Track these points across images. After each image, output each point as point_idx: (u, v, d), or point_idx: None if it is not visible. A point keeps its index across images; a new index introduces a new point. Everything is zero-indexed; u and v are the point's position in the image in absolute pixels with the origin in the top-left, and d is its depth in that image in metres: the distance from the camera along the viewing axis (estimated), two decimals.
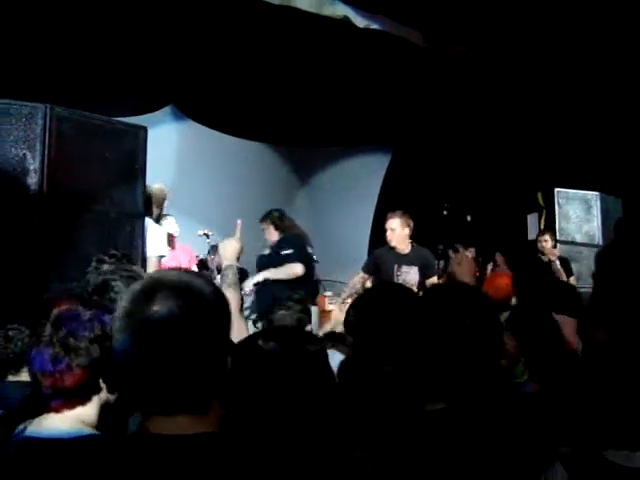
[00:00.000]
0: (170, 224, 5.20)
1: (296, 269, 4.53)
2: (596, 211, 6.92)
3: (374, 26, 4.90)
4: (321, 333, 3.23)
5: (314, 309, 4.56)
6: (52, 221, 3.20)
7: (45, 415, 1.43)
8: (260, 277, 4.59)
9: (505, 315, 2.32)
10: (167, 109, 6.81)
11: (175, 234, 5.30)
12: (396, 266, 4.79)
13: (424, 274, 4.77)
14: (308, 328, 3.07)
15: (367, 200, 8.27)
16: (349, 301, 4.38)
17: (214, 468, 0.94)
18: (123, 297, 1.04)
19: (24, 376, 2.13)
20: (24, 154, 3.16)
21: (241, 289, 2.91)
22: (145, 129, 3.76)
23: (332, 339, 2.76)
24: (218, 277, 4.74)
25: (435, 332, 1.43)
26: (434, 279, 4.78)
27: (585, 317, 2.58)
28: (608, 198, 6.99)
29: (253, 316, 4.16)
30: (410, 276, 4.72)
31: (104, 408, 1.46)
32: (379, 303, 2.10)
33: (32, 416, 1.47)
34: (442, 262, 6.15)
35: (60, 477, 1.19)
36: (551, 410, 1.77)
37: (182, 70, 5.93)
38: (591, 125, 6.65)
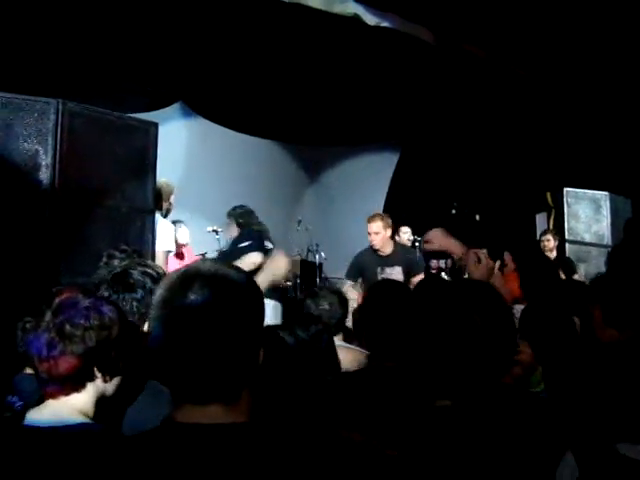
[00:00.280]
0: (183, 234, 5.09)
1: (254, 258, 4.47)
2: (605, 211, 6.88)
3: (384, 24, 4.90)
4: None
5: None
6: (63, 216, 3.23)
7: (45, 403, 1.44)
8: None
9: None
10: (176, 106, 6.84)
11: (186, 245, 5.23)
12: (379, 268, 4.82)
13: (408, 273, 4.77)
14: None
15: (375, 198, 8.27)
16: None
17: (245, 458, 0.95)
18: (160, 285, 1.07)
19: None
20: (36, 149, 3.19)
21: None
22: (156, 125, 3.78)
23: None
24: None
25: (444, 329, 1.43)
26: (420, 277, 4.68)
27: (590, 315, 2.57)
28: (617, 198, 6.96)
29: None
30: (393, 277, 4.67)
31: (101, 398, 1.47)
32: (386, 301, 2.12)
33: None
34: (450, 261, 6.14)
35: (66, 467, 1.20)
36: (563, 408, 1.77)
37: (192, 67, 5.95)
38: (600, 125, 6.62)
